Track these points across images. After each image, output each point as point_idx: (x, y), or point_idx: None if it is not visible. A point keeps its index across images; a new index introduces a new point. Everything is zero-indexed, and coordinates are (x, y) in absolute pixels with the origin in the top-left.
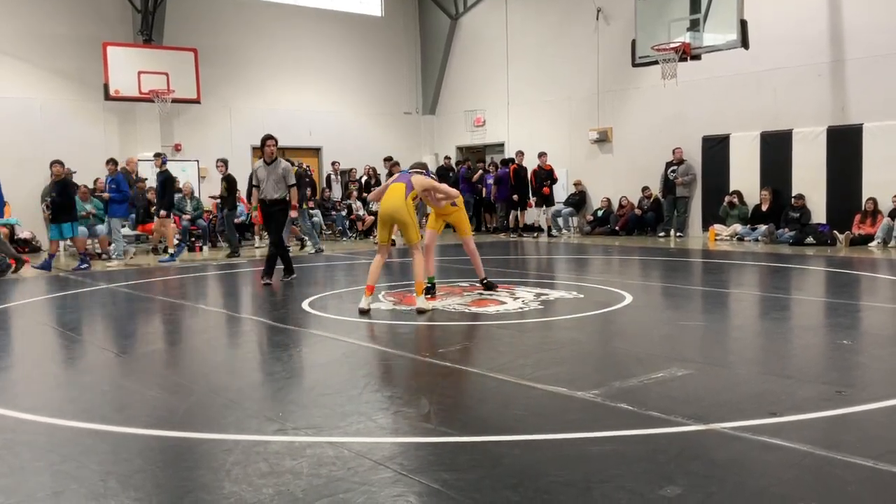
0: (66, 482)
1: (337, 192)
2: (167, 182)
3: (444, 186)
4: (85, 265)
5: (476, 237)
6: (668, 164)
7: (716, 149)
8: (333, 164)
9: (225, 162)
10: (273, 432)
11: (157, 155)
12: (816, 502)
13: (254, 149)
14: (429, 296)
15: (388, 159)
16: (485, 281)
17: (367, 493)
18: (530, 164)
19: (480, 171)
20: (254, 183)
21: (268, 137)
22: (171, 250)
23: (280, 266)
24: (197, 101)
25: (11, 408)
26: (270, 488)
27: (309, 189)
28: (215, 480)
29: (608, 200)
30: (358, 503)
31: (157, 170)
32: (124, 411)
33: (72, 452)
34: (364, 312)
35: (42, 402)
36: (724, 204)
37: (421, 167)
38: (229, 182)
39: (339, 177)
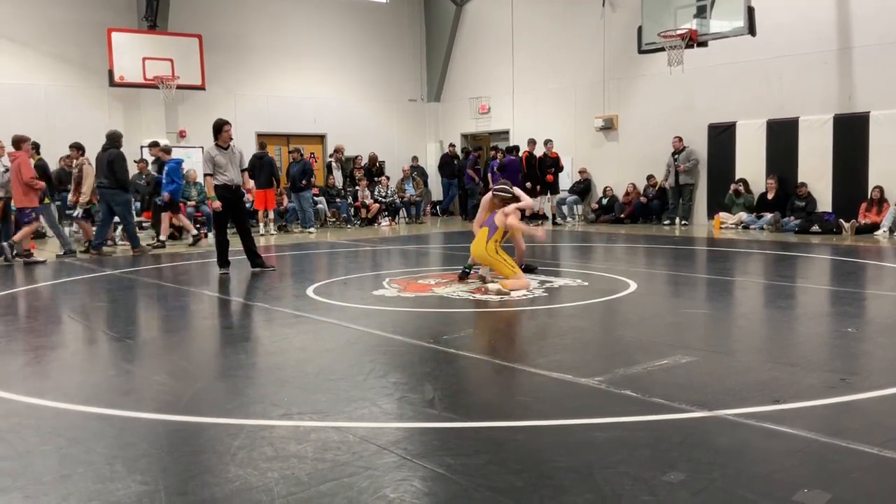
0: (73, 466)
1: (339, 180)
2: None
3: (522, 201)
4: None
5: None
6: (673, 153)
7: (722, 136)
8: (335, 151)
9: (36, 146)
10: (278, 417)
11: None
12: (820, 489)
13: (258, 135)
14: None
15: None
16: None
17: (372, 477)
18: (537, 152)
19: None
20: (208, 171)
21: (225, 122)
22: None
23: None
24: (201, 88)
25: (18, 392)
26: (275, 472)
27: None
28: (221, 464)
29: (613, 188)
30: (362, 487)
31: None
32: (131, 396)
33: (78, 436)
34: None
35: (49, 387)
36: (730, 192)
37: (502, 190)
38: (43, 170)
39: (338, 164)
